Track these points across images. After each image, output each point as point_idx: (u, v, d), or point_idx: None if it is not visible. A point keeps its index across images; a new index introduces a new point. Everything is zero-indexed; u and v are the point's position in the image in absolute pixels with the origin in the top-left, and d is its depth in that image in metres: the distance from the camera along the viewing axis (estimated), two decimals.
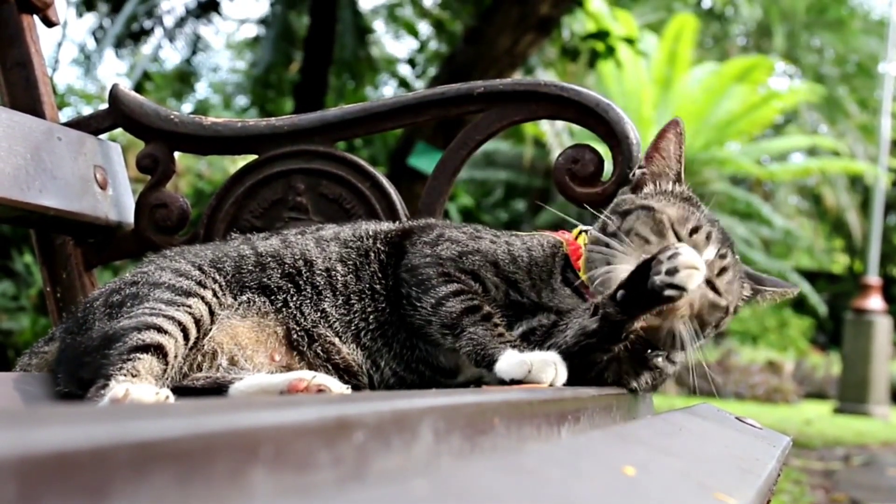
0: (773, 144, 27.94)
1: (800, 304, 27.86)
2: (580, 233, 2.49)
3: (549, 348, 2.24)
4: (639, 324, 2.21)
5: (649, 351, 2.36)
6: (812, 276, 29.21)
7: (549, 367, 2.06)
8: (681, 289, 2.06)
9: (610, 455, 1.45)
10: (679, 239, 2.29)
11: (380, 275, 2.42)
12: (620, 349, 2.28)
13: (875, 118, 27.95)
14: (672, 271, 2.06)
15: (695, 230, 2.33)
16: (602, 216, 2.44)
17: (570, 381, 2.15)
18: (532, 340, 2.31)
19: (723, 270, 2.34)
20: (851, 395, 19.42)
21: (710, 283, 2.29)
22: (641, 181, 2.50)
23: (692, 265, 2.07)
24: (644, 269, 2.11)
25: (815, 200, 32.41)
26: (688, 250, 2.10)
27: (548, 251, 2.45)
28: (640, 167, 2.53)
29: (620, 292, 2.15)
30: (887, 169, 23.00)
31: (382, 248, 2.46)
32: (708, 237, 2.33)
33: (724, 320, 2.38)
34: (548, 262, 2.42)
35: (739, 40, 34.96)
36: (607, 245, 2.31)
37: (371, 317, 2.39)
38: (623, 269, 2.23)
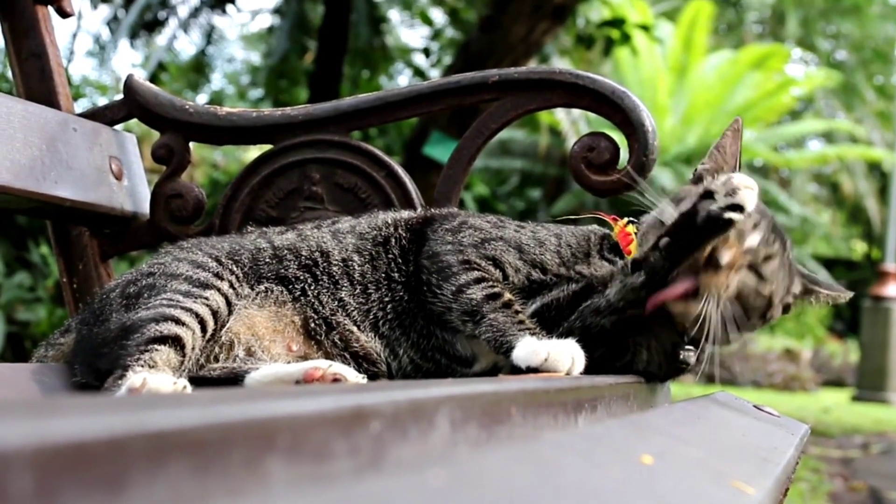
0: (790, 130, 27.87)
1: None
2: (628, 223, 2.49)
3: (587, 310, 2.27)
4: (677, 308, 2.21)
5: (678, 346, 2.37)
6: (829, 264, 29.14)
7: (566, 355, 2.07)
8: (741, 209, 2.10)
9: (627, 444, 1.45)
10: None
11: (399, 261, 2.42)
12: (654, 344, 2.31)
13: (892, 104, 27.85)
14: (731, 192, 2.11)
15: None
16: (658, 204, 2.46)
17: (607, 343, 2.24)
18: (548, 316, 2.32)
19: (768, 258, 2.33)
20: (869, 382, 19.35)
21: (753, 267, 2.30)
22: (701, 176, 2.50)
23: (748, 185, 2.13)
24: (691, 214, 2.14)
25: (832, 188, 32.30)
26: (739, 174, 2.18)
27: (580, 236, 2.46)
28: (701, 164, 2.52)
29: (664, 240, 2.17)
30: None
31: (404, 235, 2.46)
32: (755, 225, 2.32)
33: (770, 312, 2.38)
34: (581, 244, 2.43)
35: (755, 27, 34.82)
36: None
37: (389, 306, 2.39)
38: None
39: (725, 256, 2.21)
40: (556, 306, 2.34)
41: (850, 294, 2.60)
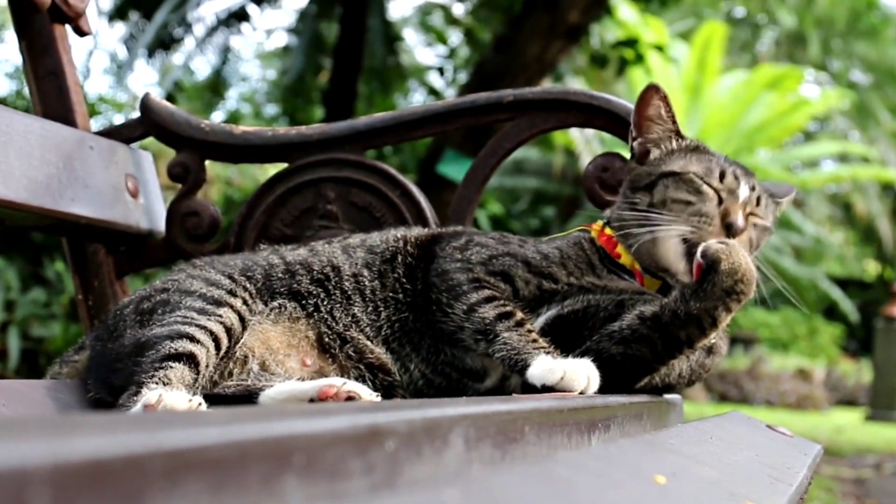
0: (804, 151, 27.83)
1: (830, 312, 27.75)
2: (605, 224, 2.50)
3: (605, 331, 2.27)
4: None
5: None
6: (843, 284, 29.03)
7: (582, 374, 2.06)
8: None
9: (640, 463, 1.45)
10: (714, 190, 2.38)
11: (404, 280, 2.43)
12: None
13: None
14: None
15: (722, 175, 2.41)
16: (622, 196, 2.49)
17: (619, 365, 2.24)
18: (562, 327, 2.32)
19: (759, 200, 2.44)
20: (883, 402, 19.28)
21: (754, 214, 2.42)
22: (644, 151, 2.52)
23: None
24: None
25: (845, 208, 32.20)
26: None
27: (573, 244, 2.46)
28: (633, 138, 2.54)
29: (690, 289, 2.18)
30: None
31: (412, 251, 2.47)
32: (736, 176, 2.43)
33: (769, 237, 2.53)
34: (580, 254, 2.44)
35: (770, 48, 34.76)
36: (647, 218, 2.37)
37: (396, 324, 2.40)
38: (676, 230, 2.34)
39: (738, 217, 2.34)
40: (591, 323, 2.33)
41: (794, 189, 2.71)
